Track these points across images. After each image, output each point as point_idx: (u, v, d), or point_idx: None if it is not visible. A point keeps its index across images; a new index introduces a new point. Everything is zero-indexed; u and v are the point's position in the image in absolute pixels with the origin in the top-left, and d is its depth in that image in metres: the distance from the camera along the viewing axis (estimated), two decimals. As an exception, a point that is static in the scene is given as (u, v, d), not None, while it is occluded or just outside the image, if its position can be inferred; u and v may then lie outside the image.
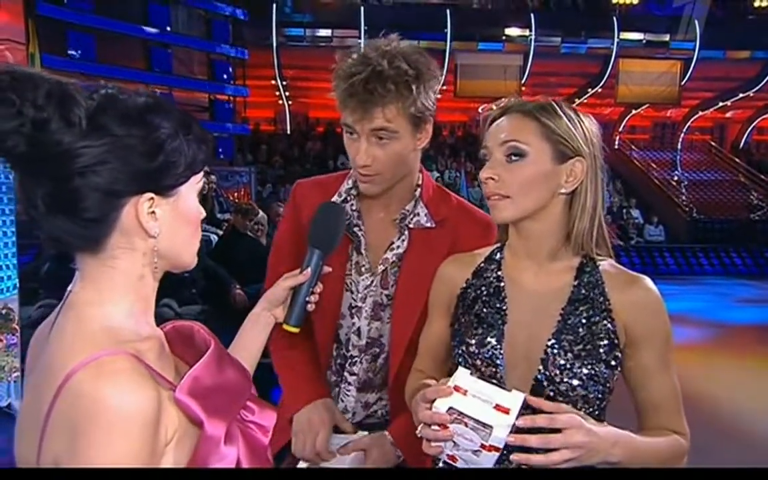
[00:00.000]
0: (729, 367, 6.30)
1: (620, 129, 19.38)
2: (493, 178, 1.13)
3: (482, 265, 1.24)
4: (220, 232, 5.91)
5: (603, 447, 1.01)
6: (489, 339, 1.15)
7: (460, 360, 1.17)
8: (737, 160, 18.35)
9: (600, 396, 1.12)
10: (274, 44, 15.91)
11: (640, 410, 1.17)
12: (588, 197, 1.14)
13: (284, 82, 17.17)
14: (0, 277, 3.50)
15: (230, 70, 12.42)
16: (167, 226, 0.81)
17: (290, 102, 18.25)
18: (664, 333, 1.14)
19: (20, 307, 3.55)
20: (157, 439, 0.72)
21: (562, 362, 1.10)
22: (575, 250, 1.16)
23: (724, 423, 4.63)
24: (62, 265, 3.29)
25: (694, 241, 14.50)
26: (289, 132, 18.49)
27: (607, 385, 1.12)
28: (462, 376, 1.05)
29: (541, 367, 1.11)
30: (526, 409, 1.01)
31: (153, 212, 0.80)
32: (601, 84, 17.48)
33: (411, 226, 1.41)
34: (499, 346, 1.14)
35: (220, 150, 11.71)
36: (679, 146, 19.64)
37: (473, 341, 1.16)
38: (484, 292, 1.20)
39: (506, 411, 0.98)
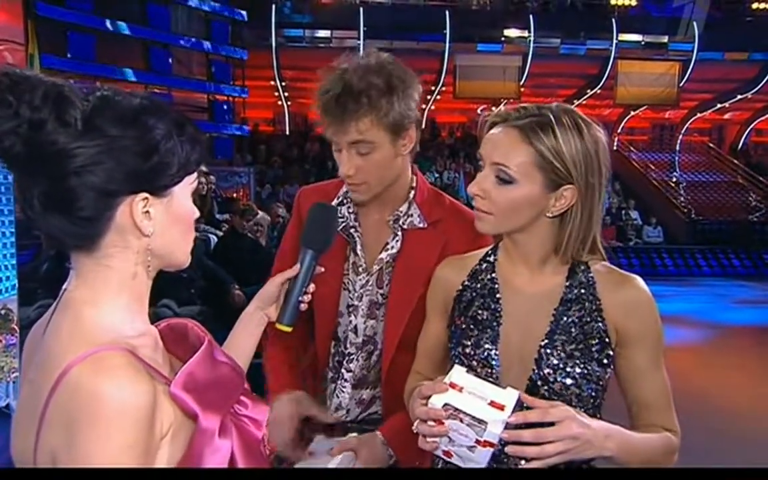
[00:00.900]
0: (727, 368, 6.31)
1: (619, 130, 19.33)
2: (480, 195, 1.14)
3: (477, 266, 1.25)
4: (220, 233, 5.90)
5: (596, 440, 1.02)
6: (484, 340, 1.17)
7: (456, 361, 1.18)
8: (736, 161, 18.30)
9: (594, 394, 1.13)
10: (274, 45, 15.90)
11: (631, 408, 1.18)
12: (578, 218, 1.12)
13: (283, 83, 17.15)
14: (-1, 278, 3.50)
15: (229, 70, 12.40)
16: (161, 225, 0.83)
17: (289, 103, 18.22)
18: (656, 332, 1.15)
19: (19, 307, 3.55)
20: (153, 433, 0.74)
21: (556, 362, 1.11)
22: (564, 261, 1.17)
23: (722, 424, 4.64)
24: (61, 266, 3.29)
25: (692, 243, 14.47)
26: (288, 133, 18.48)
27: (601, 383, 1.14)
28: (458, 373, 1.06)
29: (535, 367, 1.13)
30: (521, 407, 1.02)
31: (147, 212, 0.81)
32: (599, 85, 17.45)
33: (405, 226, 1.44)
34: (494, 348, 1.16)
35: (219, 151, 11.69)
36: (677, 147, 19.60)
37: (469, 343, 1.18)
38: (480, 294, 1.21)
39: (501, 407, 0.99)
